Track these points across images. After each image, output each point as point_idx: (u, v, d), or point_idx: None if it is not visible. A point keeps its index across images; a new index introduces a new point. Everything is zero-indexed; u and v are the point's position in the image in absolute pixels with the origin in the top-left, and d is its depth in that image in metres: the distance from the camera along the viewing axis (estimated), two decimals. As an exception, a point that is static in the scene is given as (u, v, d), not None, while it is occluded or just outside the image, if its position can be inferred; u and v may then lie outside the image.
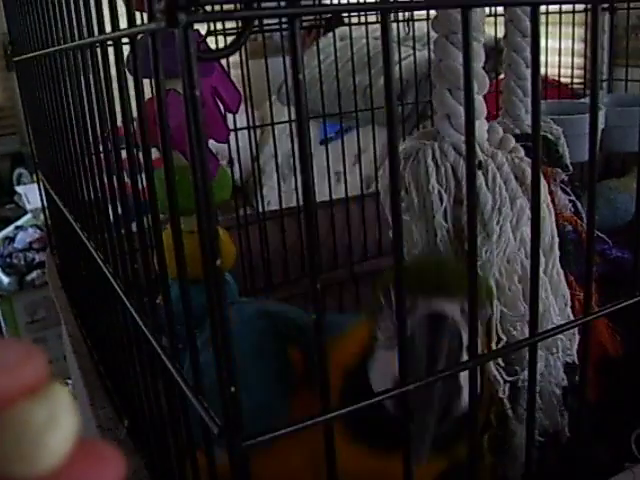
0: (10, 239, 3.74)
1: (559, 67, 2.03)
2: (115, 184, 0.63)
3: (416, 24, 1.84)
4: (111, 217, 0.63)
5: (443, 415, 0.55)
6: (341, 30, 2.21)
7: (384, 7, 0.33)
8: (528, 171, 0.69)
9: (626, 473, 0.59)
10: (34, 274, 3.48)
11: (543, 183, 0.71)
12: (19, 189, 4.31)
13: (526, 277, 0.70)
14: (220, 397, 0.36)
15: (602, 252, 1.27)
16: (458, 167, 0.70)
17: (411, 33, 1.81)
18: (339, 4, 0.37)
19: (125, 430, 0.75)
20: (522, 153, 0.74)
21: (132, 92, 0.56)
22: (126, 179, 0.61)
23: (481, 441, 0.67)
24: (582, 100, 1.69)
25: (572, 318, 0.76)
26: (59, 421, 0.22)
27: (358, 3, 0.36)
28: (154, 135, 0.47)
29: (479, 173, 0.69)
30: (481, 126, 0.73)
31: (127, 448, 0.72)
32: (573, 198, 0.99)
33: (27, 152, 4.76)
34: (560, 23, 1.97)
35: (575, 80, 2.06)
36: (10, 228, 3.87)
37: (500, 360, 0.67)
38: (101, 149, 0.67)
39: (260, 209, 1.58)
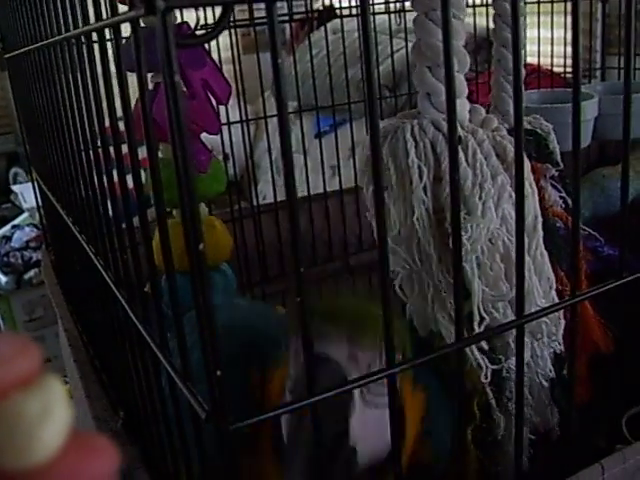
0: (7, 238, 3.74)
1: (552, 56, 2.03)
2: (105, 176, 0.64)
3: (408, 15, 1.84)
4: (101, 209, 0.64)
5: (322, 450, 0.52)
6: (333, 23, 2.21)
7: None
8: (510, 148, 0.69)
9: (617, 455, 0.59)
10: (31, 273, 3.48)
11: (526, 162, 0.71)
12: (15, 188, 4.31)
13: (508, 256, 0.70)
14: (206, 382, 0.36)
15: (594, 249, 1.27)
16: (437, 143, 0.70)
17: (403, 25, 1.81)
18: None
19: (121, 421, 0.76)
20: (504, 132, 0.74)
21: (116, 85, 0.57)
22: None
23: (464, 434, 0.68)
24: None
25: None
26: (53, 413, 0.22)
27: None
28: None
29: (459, 148, 0.69)
30: (463, 105, 0.73)
31: (122, 439, 0.73)
32: (564, 195, 0.99)
33: (22, 151, 4.76)
34: (552, 12, 1.97)
35: (568, 69, 2.06)
36: (7, 227, 3.88)
37: (484, 343, 0.67)
38: (90, 144, 0.67)
39: (255, 203, 1.58)
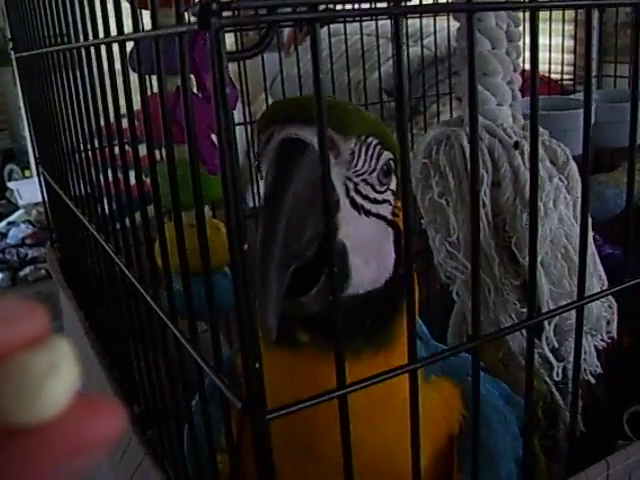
0: (3, 235, 3.75)
1: (549, 64, 2.06)
2: (123, 180, 0.66)
3: (409, 20, 1.86)
4: (117, 212, 0.66)
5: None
6: (335, 26, 2.23)
7: (396, 12, 0.36)
8: (560, 151, 0.71)
9: (620, 452, 0.61)
10: (27, 270, 3.49)
11: (573, 165, 0.74)
12: (11, 185, 4.32)
13: (568, 255, 0.72)
14: (244, 373, 0.39)
15: (596, 249, 1.30)
16: (494, 148, 0.72)
17: (404, 29, 1.84)
18: (354, 9, 0.39)
19: (135, 416, 0.78)
20: (546, 137, 0.76)
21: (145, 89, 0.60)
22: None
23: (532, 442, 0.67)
24: (572, 96, 1.72)
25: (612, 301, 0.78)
26: (59, 370, 0.23)
27: (370, 8, 0.38)
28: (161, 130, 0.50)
29: (516, 153, 0.71)
30: (506, 111, 0.76)
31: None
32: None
33: (18, 148, 4.77)
34: (550, 20, 2.00)
35: (565, 76, 2.09)
36: (2, 224, 3.88)
37: (553, 340, 0.68)
38: (106, 143, 0.70)
39: (256, 204, 1.60)
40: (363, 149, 0.54)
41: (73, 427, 0.23)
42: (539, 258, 0.71)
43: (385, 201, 0.56)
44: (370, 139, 0.54)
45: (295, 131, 0.50)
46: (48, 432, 0.23)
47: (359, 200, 0.54)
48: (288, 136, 0.51)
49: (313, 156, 0.49)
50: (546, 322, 0.71)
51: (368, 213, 0.55)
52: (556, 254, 0.73)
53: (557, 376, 0.71)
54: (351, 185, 0.54)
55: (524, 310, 0.77)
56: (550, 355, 0.70)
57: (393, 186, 0.57)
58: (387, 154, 0.56)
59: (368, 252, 0.54)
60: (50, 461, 0.23)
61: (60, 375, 0.23)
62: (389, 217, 0.57)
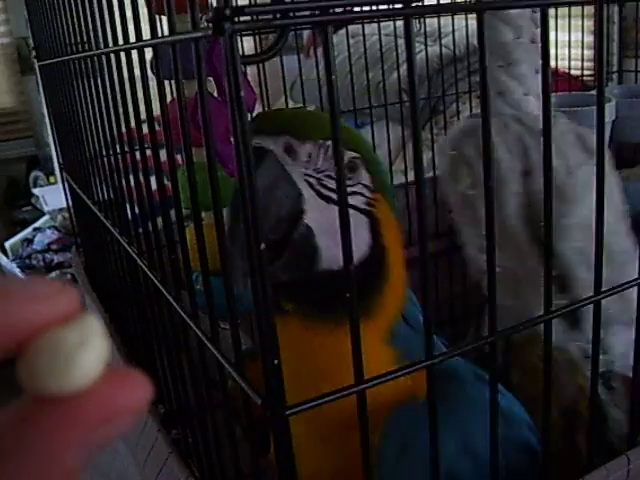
0: (29, 241, 3.80)
1: (569, 59, 2.05)
2: (145, 184, 0.68)
3: (427, 20, 1.86)
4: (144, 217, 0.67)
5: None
6: (353, 27, 2.24)
7: (407, 13, 0.37)
8: (590, 137, 0.71)
9: (621, 458, 0.60)
10: (53, 275, 3.53)
11: (608, 153, 0.73)
12: (36, 191, 4.37)
13: (605, 242, 0.72)
14: (263, 370, 0.40)
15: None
16: (524, 136, 0.73)
17: (422, 29, 1.84)
18: (363, 11, 0.40)
19: (160, 417, 0.79)
20: (573, 125, 0.76)
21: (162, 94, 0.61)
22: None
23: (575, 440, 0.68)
24: (592, 92, 1.72)
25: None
26: (90, 343, 0.25)
27: (380, 10, 0.39)
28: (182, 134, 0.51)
29: None
30: (534, 101, 0.76)
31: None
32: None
33: (42, 155, 4.83)
34: (569, 16, 1.99)
35: (585, 72, 2.07)
36: (28, 230, 3.93)
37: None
38: (127, 149, 0.71)
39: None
40: (322, 150, 0.63)
41: (103, 396, 0.25)
42: (574, 245, 0.71)
43: (355, 193, 0.65)
44: (328, 142, 0.62)
45: (258, 141, 0.60)
46: (80, 401, 0.25)
47: (325, 192, 0.63)
48: (254, 145, 0.58)
49: (272, 159, 0.61)
50: (584, 312, 0.69)
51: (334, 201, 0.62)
52: (591, 242, 0.73)
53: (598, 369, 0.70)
54: (313, 180, 0.63)
55: (560, 302, 0.76)
56: (586, 346, 0.69)
57: (365, 180, 0.66)
58: (349, 153, 0.65)
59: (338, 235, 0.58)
60: (82, 427, 0.24)
61: (91, 348, 0.25)
62: (361, 207, 0.65)
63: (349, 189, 0.63)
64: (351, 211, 0.59)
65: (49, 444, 0.24)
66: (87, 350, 0.25)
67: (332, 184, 0.62)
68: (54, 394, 0.24)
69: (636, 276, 0.55)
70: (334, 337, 0.60)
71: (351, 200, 0.63)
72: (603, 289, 0.65)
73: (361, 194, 0.65)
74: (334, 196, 0.62)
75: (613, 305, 0.71)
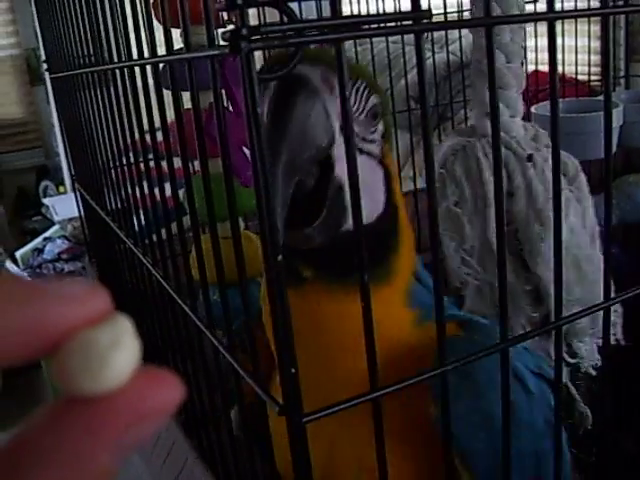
0: (39, 250, 3.81)
1: (576, 65, 2.05)
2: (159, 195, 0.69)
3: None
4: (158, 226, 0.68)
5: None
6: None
7: (418, 29, 0.38)
8: (570, 164, 0.73)
9: None
10: (64, 284, 3.54)
11: (583, 178, 0.75)
12: (46, 201, 4.38)
13: (578, 264, 0.74)
14: (280, 378, 0.40)
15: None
16: (509, 160, 0.75)
17: (429, 36, 1.85)
18: (376, 27, 0.41)
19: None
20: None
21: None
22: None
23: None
24: (600, 97, 1.72)
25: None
26: (122, 344, 0.25)
27: (391, 26, 0.40)
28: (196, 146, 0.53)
29: (529, 165, 0.73)
30: (519, 123, 0.78)
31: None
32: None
33: (52, 165, 4.86)
34: (576, 21, 1.99)
35: (593, 77, 2.08)
36: (39, 239, 3.95)
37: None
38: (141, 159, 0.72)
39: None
40: (353, 91, 0.60)
41: (136, 397, 0.25)
42: (550, 265, 0.72)
43: (374, 141, 0.62)
44: (358, 82, 0.60)
45: (297, 71, 0.54)
46: (113, 401, 0.25)
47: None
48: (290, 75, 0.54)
49: (310, 86, 0.56)
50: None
51: (360, 151, 0.60)
52: (567, 262, 0.75)
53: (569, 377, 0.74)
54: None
55: (535, 314, 0.79)
56: (565, 355, 0.73)
57: (381, 128, 0.63)
58: (374, 98, 0.62)
59: (362, 188, 0.56)
60: (115, 427, 0.25)
61: (123, 348, 0.25)
62: (379, 157, 0.62)
63: (370, 136, 0.61)
64: (372, 162, 0.61)
65: (84, 444, 0.24)
66: (119, 350, 0.25)
67: (359, 130, 0.60)
68: (87, 394, 0.25)
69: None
70: (354, 304, 0.51)
71: (371, 148, 0.61)
72: (575, 306, 0.67)
73: (377, 142, 0.62)
74: (360, 144, 0.60)
75: (583, 319, 0.74)
